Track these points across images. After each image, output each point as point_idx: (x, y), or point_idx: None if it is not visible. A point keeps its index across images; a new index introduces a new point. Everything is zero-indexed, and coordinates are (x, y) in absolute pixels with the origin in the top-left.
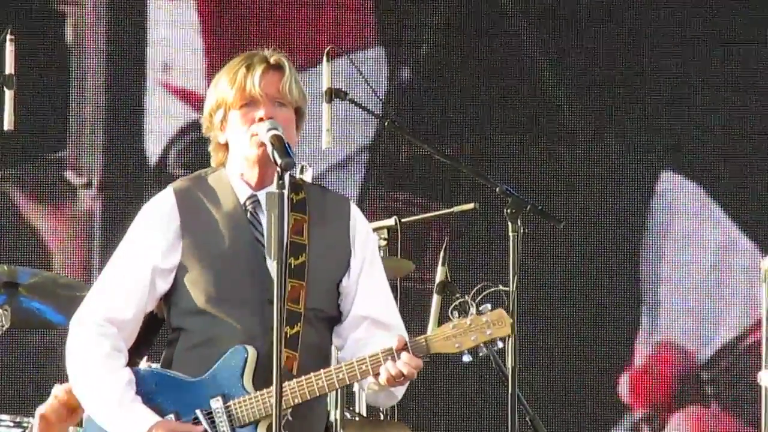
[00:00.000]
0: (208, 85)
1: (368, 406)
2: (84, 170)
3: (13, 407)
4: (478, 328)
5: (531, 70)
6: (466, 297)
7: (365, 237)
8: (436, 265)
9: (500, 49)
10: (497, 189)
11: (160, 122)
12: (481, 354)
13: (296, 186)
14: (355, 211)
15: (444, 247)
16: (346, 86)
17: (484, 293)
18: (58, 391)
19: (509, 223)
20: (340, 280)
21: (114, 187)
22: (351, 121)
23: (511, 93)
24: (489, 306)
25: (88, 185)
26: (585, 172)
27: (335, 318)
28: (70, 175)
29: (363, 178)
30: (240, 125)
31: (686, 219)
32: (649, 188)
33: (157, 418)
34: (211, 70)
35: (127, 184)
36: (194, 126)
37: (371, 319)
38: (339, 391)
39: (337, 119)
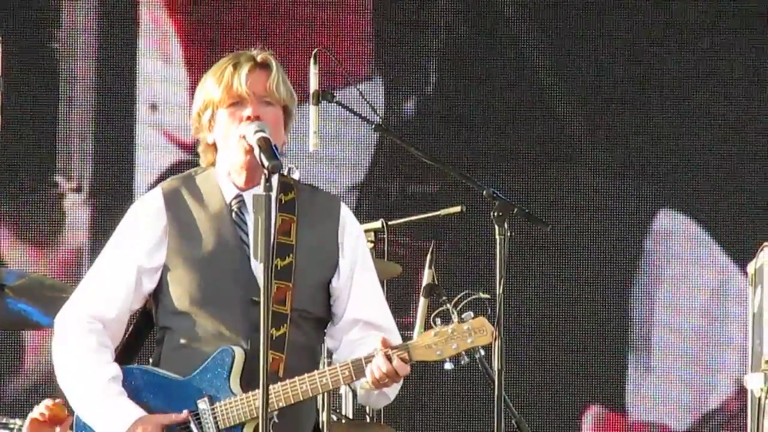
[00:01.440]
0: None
1: (354, 409)
2: (74, 175)
3: (0, 408)
4: (459, 336)
5: (532, 79)
6: (448, 305)
7: (355, 237)
8: (423, 268)
9: (497, 56)
10: (484, 192)
11: (149, 154)
12: (462, 362)
13: (286, 186)
14: (345, 212)
15: (431, 250)
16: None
17: (466, 300)
18: (44, 407)
19: (496, 227)
20: (330, 281)
21: (103, 193)
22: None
23: (501, 97)
24: (471, 314)
25: (78, 190)
26: (581, 182)
27: (323, 319)
28: (59, 179)
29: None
30: (228, 125)
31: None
32: (645, 204)
33: (142, 412)
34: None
35: (117, 190)
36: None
37: (364, 321)
38: (326, 393)
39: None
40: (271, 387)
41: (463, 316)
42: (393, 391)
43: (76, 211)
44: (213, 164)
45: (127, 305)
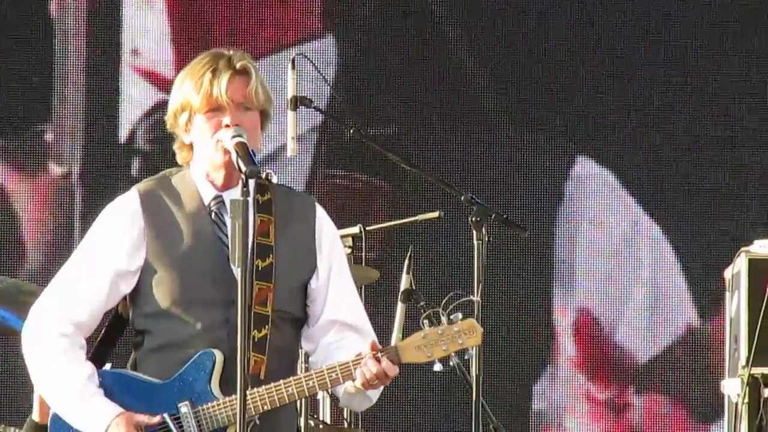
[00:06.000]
0: (174, 68)
1: (332, 414)
2: (64, 159)
3: None
4: (449, 338)
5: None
6: (438, 308)
7: (332, 238)
8: (401, 274)
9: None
10: (462, 197)
11: (134, 108)
12: (452, 363)
13: (262, 187)
14: (321, 213)
15: (408, 255)
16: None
17: (456, 303)
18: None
19: (474, 231)
20: (308, 282)
21: (93, 176)
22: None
23: (432, 83)
24: (460, 315)
25: (68, 174)
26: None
27: (301, 320)
28: (51, 166)
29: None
30: (205, 130)
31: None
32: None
33: (118, 409)
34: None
35: (106, 173)
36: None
37: (341, 322)
38: (303, 398)
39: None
40: (255, 390)
41: (452, 317)
42: (376, 393)
43: (66, 197)
44: (188, 163)
45: (100, 307)
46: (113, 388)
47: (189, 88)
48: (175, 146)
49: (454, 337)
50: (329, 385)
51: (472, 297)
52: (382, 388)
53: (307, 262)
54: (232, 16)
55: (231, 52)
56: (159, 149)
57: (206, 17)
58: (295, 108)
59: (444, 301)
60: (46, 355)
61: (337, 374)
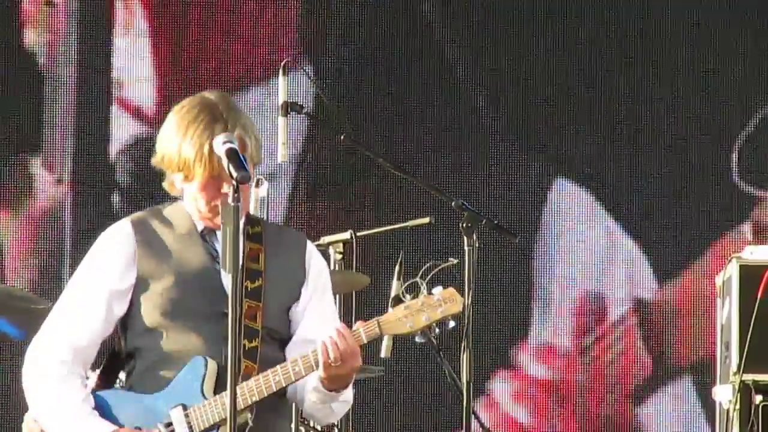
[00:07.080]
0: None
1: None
2: (56, 168)
3: None
4: (429, 307)
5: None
6: (417, 278)
7: (319, 270)
8: (391, 280)
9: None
10: (453, 203)
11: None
12: (433, 335)
13: (253, 220)
14: (311, 247)
15: (399, 261)
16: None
17: (436, 270)
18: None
19: (465, 237)
20: (291, 306)
21: (84, 185)
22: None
23: (424, 90)
24: (440, 287)
25: (59, 182)
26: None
27: (287, 340)
28: (42, 174)
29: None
30: (203, 196)
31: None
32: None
33: (112, 427)
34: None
35: (96, 182)
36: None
37: (310, 340)
38: (294, 404)
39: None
40: (243, 383)
41: (433, 290)
42: (341, 408)
43: (58, 204)
44: (180, 197)
45: (97, 330)
46: (108, 406)
47: (188, 151)
48: (165, 184)
49: (434, 306)
50: (315, 368)
51: (451, 260)
52: (348, 404)
53: (294, 288)
54: (209, 47)
55: (221, 107)
56: (139, 183)
57: (190, 47)
58: (285, 114)
59: (422, 270)
60: (44, 380)
61: (299, 367)
